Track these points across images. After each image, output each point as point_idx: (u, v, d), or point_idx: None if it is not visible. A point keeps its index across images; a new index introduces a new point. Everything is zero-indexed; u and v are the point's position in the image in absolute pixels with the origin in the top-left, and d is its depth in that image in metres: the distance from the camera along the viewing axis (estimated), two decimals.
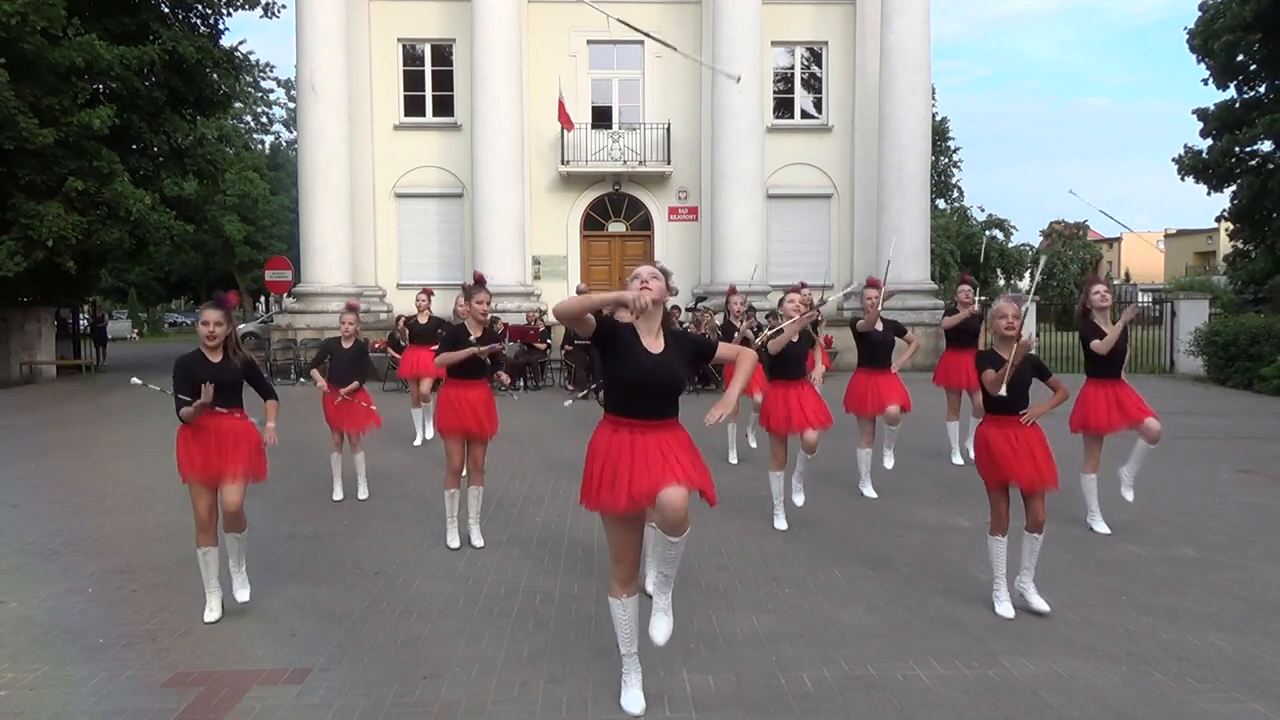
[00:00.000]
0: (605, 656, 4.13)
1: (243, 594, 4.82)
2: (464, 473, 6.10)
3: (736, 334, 8.46)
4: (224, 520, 4.75)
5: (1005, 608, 4.74)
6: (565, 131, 20.35)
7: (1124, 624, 4.59)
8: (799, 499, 6.87)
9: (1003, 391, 4.52)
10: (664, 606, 3.71)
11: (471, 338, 5.99)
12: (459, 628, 4.60)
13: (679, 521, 3.45)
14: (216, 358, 4.71)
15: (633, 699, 3.70)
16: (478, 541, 6.09)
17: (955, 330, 8.72)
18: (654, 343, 3.64)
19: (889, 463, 7.87)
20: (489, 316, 6.22)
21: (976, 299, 9.00)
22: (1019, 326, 4.68)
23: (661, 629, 3.67)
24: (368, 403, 7.41)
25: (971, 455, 8.85)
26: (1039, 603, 4.73)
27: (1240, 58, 23.32)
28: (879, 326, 7.47)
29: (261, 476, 4.85)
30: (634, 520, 3.62)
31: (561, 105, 19.84)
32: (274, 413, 5.04)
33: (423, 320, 10.28)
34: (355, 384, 7.34)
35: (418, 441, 10.21)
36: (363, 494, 7.56)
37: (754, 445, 9.23)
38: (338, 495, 7.50)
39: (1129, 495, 6.56)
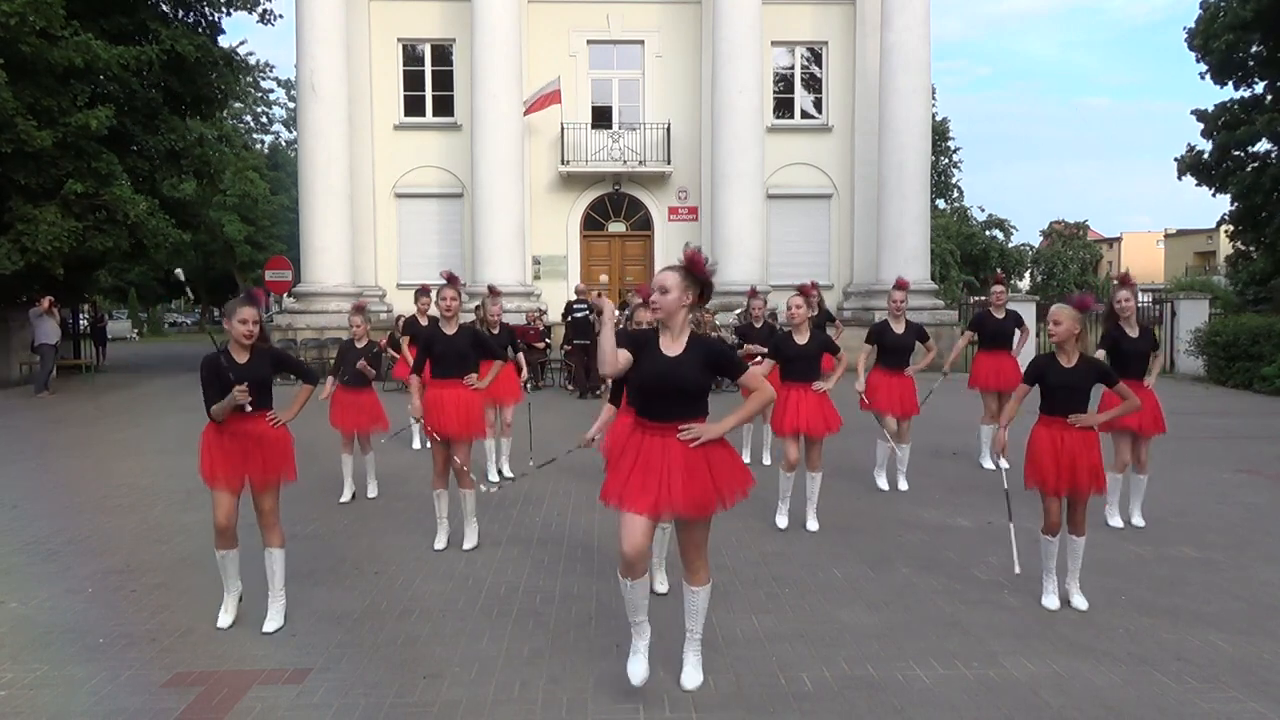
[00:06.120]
0: (605, 656, 4.13)
1: (271, 625, 4.56)
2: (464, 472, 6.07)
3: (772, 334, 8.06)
4: (261, 532, 4.68)
5: (1050, 600, 4.83)
6: (540, 96, 19.91)
7: (1124, 624, 4.59)
8: (813, 525, 6.48)
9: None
10: (695, 663, 3.82)
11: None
12: (459, 628, 4.60)
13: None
14: (244, 357, 4.51)
15: (637, 667, 3.68)
16: (469, 543, 5.99)
17: (989, 332, 8.63)
18: (673, 346, 3.63)
19: (903, 485, 7.72)
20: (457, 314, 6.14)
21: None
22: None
23: (692, 680, 3.79)
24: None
25: (1002, 464, 8.83)
26: (1053, 602, 4.82)
27: (1237, 55, 23.27)
28: (899, 329, 7.54)
29: (291, 478, 4.72)
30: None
31: (558, 94, 19.78)
32: (303, 398, 4.71)
33: (422, 321, 10.21)
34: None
35: (415, 444, 10.22)
36: (372, 493, 7.63)
37: (767, 462, 8.98)
38: (346, 496, 7.51)
39: (1115, 521, 6.44)
